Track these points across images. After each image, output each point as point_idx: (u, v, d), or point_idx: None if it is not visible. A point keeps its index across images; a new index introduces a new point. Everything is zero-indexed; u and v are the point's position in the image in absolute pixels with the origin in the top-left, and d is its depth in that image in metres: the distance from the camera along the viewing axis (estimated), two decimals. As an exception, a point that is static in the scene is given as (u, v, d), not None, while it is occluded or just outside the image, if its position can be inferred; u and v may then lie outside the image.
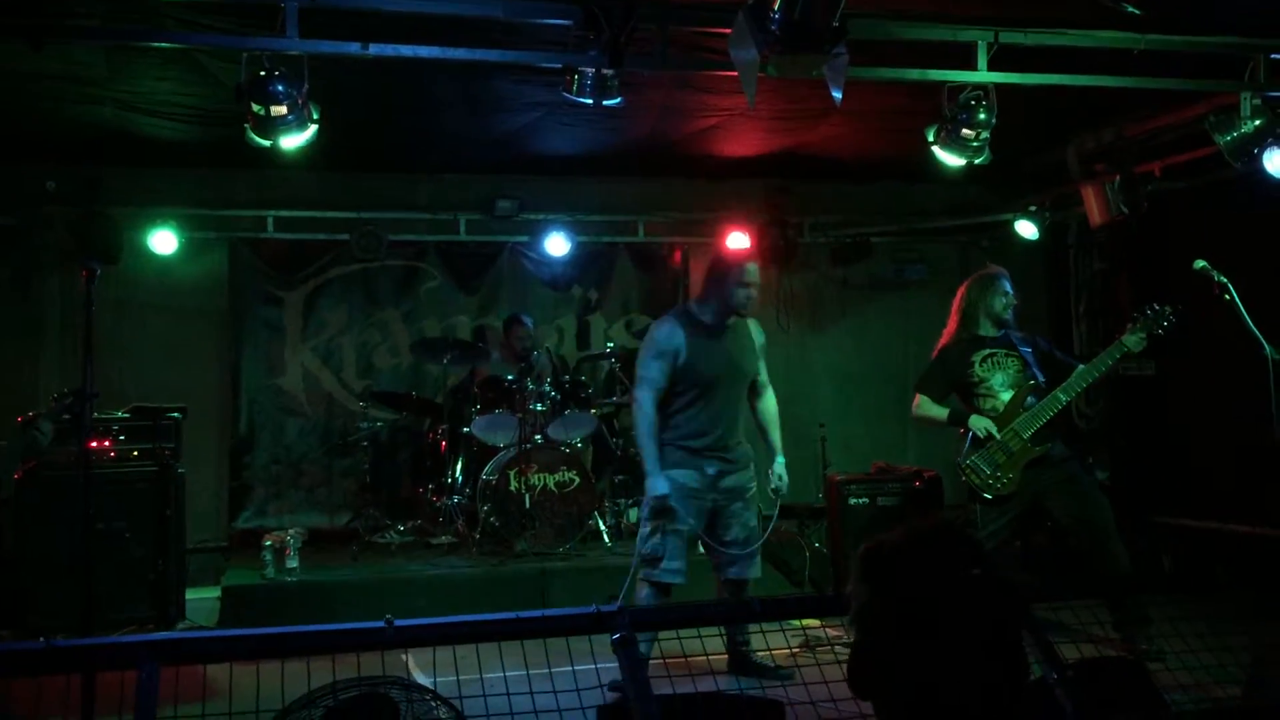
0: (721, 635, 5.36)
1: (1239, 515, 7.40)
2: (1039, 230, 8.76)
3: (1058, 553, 7.76)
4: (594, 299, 9.48)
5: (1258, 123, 5.38)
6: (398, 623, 2.88)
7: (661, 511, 5.17)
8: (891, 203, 9.67)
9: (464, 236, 9.12)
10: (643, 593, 5.29)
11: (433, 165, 8.83)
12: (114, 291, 8.33)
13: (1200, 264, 4.64)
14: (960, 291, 5.97)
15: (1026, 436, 5.69)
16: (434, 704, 2.99)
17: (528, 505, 7.43)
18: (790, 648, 5.49)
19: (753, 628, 5.23)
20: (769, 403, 5.66)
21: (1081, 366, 5.78)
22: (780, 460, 5.53)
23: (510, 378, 7.78)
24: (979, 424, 5.74)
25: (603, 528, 7.86)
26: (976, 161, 5.46)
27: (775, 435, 5.61)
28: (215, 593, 7.14)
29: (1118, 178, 7.55)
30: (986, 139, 5.32)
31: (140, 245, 8.30)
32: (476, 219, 9.09)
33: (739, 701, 3.19)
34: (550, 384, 7.85)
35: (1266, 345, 4.29)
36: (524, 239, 9.20)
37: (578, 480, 7.60)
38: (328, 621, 6.93)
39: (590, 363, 9.18)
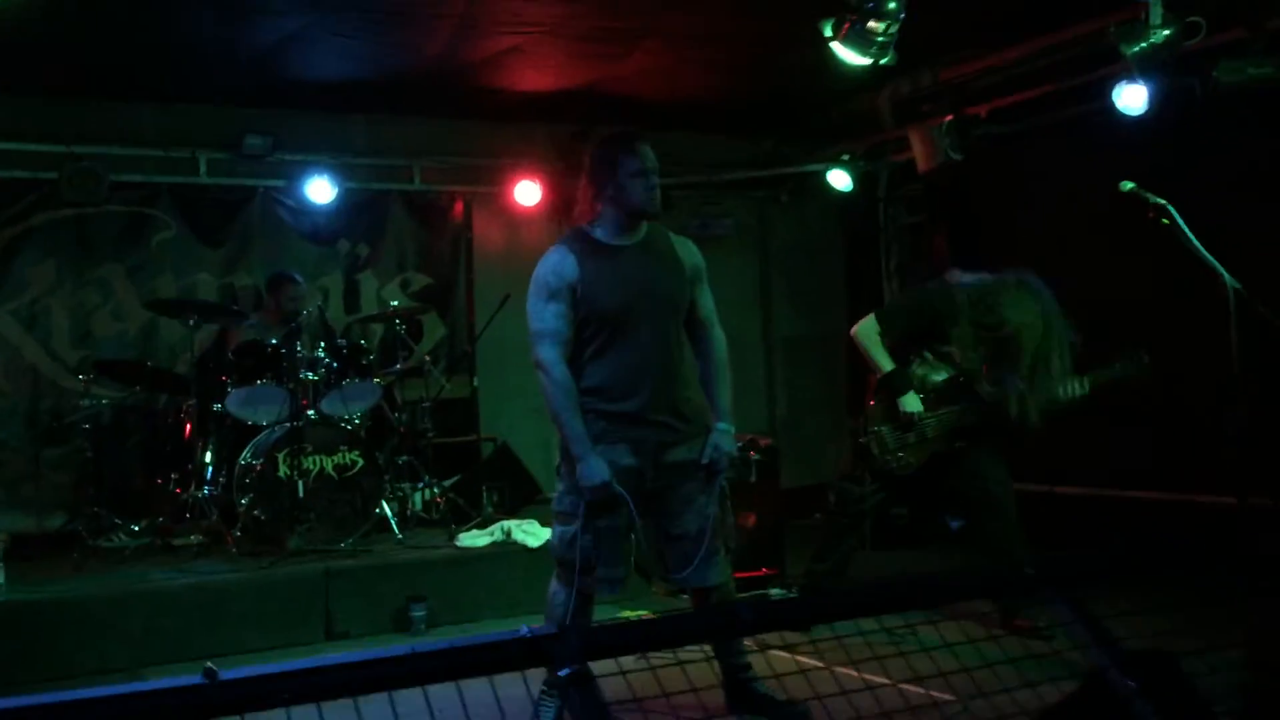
0: (708, 658, 3.95)
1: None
2: (853, 180, 8.27)
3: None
4: (364, 255, 8.21)
5: (1167, 32, 4.93)
6: (224, 674, 1.79)
7: (602, 505, 3.85)
8: (691, 154, 8.95)
9: (205, 178, 7.67)
10: (558, 598, 3.98)
11: (167, 91, 7.33)
12: None
13: (1129, 185, 4.08)
14: None
15: (945, 431, 5.15)
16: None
17: (301, 494, 6.19)
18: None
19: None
20: (714, 346, 4.15)
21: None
22: (722, 426, 4.05)
23: (274, 341, 6.49)
24: (910, 404, 5.15)
25: (390, 516, 6.71)
26: (882, 62, 4.71)
27: (721, 392, 4.10)
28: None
29: (947, 120, 7.08)
30: (894, 34, 4.58)
31: None
32: (221, 158, 7.67)
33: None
34: (324, 349, 6.61)
35: (1225, 274, 3.77)
36: (279, 183, 7.83)
37: (361, 462, 6.42)
38: (47, 656, 5.45)
39: (361, 326, 7.98)
